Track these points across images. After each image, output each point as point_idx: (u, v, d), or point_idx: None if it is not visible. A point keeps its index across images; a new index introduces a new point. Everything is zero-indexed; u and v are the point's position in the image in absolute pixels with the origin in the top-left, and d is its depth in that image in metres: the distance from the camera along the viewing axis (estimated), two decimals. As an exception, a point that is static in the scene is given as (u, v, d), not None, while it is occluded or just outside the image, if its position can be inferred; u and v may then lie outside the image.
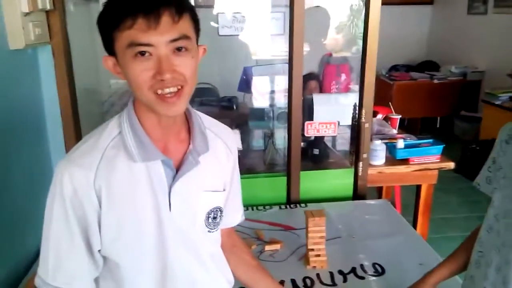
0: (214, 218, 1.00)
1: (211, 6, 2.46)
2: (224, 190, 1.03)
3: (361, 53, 1.90)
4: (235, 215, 1.15)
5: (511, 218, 0.98)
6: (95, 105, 2.35)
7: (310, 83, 2.75)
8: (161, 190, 0.89)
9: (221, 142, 1.02)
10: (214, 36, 2.27)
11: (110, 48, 0.84)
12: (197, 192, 0.95)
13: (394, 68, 5.99)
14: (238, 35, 2.38)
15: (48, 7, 1.61)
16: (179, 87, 0.82)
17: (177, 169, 0.92)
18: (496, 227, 1.03)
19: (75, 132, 1.85)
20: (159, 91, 0.80)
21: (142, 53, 0.78)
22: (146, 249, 0.91)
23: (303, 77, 2.80)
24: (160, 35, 0.78)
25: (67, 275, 0.88)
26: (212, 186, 0.99)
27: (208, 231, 0.99)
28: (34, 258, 1.60)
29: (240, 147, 2.05)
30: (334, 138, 2.44)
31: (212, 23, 2.36)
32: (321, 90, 3.79)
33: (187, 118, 0.96)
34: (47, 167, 1.83)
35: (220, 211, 1.01)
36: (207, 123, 1.00)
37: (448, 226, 3.33)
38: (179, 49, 0.80)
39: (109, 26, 0.81)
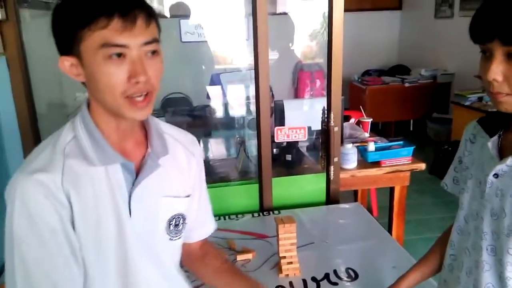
0: (176, 225, 0.97)
1: (177, 16, 2.42)
2: (187, 196, 0.99)
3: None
4: (206, 227, 1.14)
5: (479, 220, 0.95)
6: (60, 119, 2.27)
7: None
8: (121, 195, 0.87)
9: (181, 146, 1.00)
10: (176, 43, 2.24)
11: (70, 47, 0.80)
12: (157, 197, 0.92)
13: (367, 73, 6.07)
14: (202, 41, 2.35)
15: (0, 17, 1.55)
16: (148, 92, 0.82)
17: (137, 174, 0.89)
18: (466, 229, 1.01)
19: (35, 146, 1.77)
20: (130, 95, 0.79)
21: (118, 55, 0.77)
22: (109, 256, 0.87)
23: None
24: (135, 37, 0.77)
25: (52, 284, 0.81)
26: (173, 192, 0.96)
27: (170, 239, 0.96)
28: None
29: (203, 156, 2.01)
30: (312, 143, 2.42)
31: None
32: (295, 96, 3.80)
33: (143, 123, 0.94)
34: (4, 182, 1.74)
35: (182, 218, 0.98)
36: (165, 128, 0.99)
37: (424, 227, 3.35)
38: (152, 52, 0.80)
39: (75, 24, 0.77)
